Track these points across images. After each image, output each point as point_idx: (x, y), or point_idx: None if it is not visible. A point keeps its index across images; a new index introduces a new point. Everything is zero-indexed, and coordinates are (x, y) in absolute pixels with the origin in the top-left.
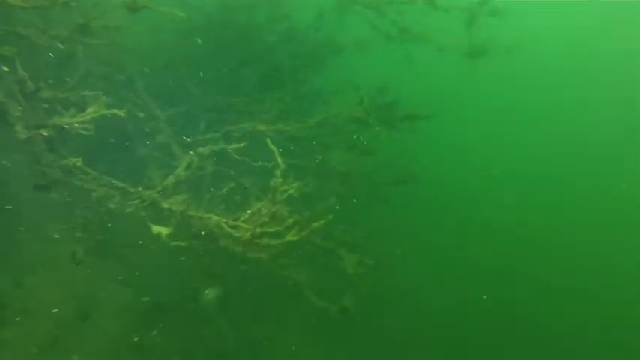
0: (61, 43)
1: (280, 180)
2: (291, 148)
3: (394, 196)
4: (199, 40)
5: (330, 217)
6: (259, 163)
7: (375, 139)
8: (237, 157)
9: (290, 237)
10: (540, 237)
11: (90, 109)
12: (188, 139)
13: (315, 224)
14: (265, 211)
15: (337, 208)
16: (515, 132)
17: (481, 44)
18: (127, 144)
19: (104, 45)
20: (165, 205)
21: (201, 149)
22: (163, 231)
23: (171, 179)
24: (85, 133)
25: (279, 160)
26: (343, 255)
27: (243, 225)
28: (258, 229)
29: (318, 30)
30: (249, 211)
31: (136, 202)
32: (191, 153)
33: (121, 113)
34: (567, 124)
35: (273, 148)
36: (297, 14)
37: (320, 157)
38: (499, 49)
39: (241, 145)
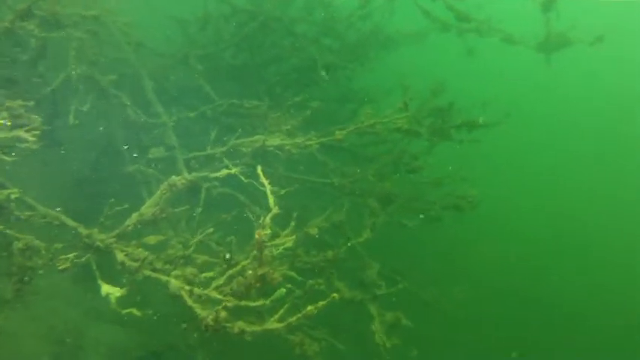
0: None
1: (268, 231)
2: (322, 162)
3: (447, 225)
4: (218, 33)
5: (335, 295)
6: (270, 187)
7: (425, 152)
8: (243, 179)
9: (271, 324)
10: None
11: None
12: (186, 156)
13: (310, 307)
14: (250, 272)
15: (373, 242)
16: (601, 144)
17: (561, 33)
18: (112, 161)
19: (81, 38)
20: (119, 257)
21: (174, 178)
22: (115, 292)
23: (134, 218)
24: (7, 158)
25: (271, 200)
26: (373, 313)
27: (213, 294)
28: (223, 313)
29: (363, 19)
30: (228, 273)
31: (71, 255)
32: (166, 182)
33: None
34: None
35: (265, 180)
36: (337, 1)
37: (356, 176)
38: (583, 40)
39: (234, 169)
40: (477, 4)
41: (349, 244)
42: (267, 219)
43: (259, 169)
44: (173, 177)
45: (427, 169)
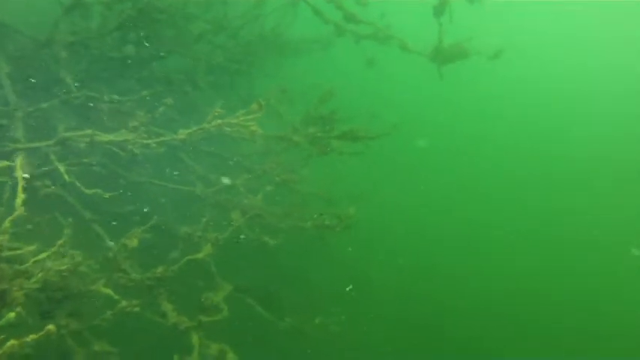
0: None
1: (6, 236)
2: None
3: (322, 249)
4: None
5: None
6: (94, 190)
7: (301, 165)
8: (67, 178)
9: None
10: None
11: None
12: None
13: (13, 342)
14: None
15: (231, 261)
16: (496, 163)
17: (457, 44)
18: None
19: None
20: None
21: None
22: None
23: None
24: None
25: (19, 200)
26: (194, 343)
27: None
28: None
29: (256, 19)
30: None
31: None
32: None
33: None
34: (567, 149)
35: (20, 176)
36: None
37: (221, 186)
38: (481, 51)
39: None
40: (381, 12)
41: (186, 260)
42: (6, 223)
43: (18, 162)
44: None
45: (303, 185)
